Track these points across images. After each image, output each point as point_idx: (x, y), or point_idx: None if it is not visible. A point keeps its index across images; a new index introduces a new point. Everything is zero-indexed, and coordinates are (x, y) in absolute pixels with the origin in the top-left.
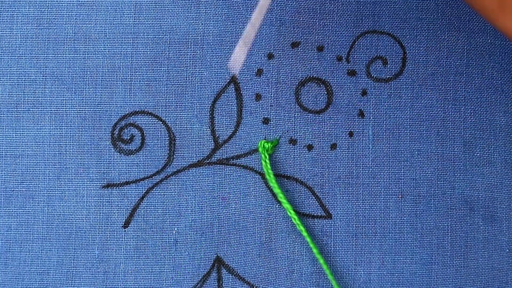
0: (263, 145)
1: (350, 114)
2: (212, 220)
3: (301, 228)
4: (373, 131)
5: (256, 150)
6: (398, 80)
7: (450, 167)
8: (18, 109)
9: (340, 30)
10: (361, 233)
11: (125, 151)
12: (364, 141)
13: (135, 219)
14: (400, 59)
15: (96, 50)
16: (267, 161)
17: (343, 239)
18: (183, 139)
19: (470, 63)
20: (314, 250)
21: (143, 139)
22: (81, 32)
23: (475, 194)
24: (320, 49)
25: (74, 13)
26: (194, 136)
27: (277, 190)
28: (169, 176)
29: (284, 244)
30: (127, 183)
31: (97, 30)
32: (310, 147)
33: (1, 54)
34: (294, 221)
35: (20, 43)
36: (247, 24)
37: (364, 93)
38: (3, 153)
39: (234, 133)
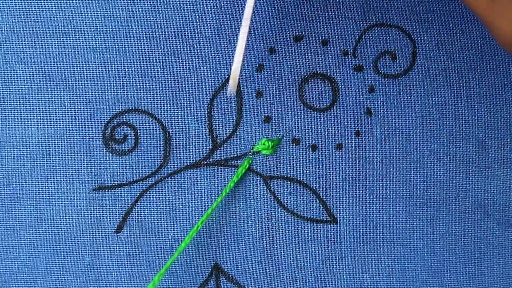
0: (263, 143)
1: (356, 112)
2: (210, 225)
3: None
4: (381, 130)
5: (258, 152)
6: (407, 76)
7: (463, 168)
8: (4, 107)
9: (346, 23)
10: (368, 239)
11: (118, 151)
12: (371, 141)
13: (128, 224)
14: (410, 53)
15: (87, 44)
16: (250, 161)
17: (349, 245)
18: (179, 138)
19: (484, 57)
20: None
21: (136, 138)
22: (70, 25)
23: (490, 197)
24: (324, 43)
25: (64, 5)
26: (191, 135)
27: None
28: (164, 178)
29: (287, 250)
30: (120, 185)
31: (88, 23)
32: (314, 147)
33: None
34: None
35: (5, 36)
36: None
37: (371, 89)
38: None
39: (233, 132)
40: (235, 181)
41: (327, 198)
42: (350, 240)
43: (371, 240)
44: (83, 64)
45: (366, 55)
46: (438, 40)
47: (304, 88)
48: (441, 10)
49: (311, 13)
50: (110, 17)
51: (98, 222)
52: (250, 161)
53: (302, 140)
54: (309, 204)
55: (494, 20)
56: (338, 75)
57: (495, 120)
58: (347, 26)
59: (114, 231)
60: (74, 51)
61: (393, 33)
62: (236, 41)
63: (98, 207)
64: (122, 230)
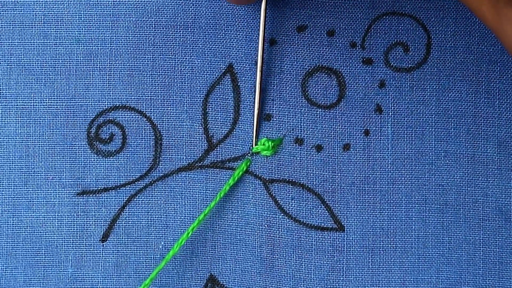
0: (263, 143)
1: (365, 110)
2: (205, 233)
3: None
4: (392, 129)
5: (258, 153)
6: (421, 70)
7: (483, 171)
8: None
9: (354, 11)
10: (378, 248)
11: (104, 152)
12: (382, 141)
13: (114, 232)
14: (424, 45)
15: (70, 34)
16: (249, 163)
17: (357, 255)
18: (171, 138)
19: (505, 49)
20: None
21: (124, 138)
22: (52, 13)
23: None
24: (330, 33)
25: None
26: (183, 135)
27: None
28: (155, 181)
29: (289, 260)
30: (106, 189)
31: (71, 11)
32: (319, 148)
33: None
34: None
35: None
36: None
37: (382, 84)
38: None
39: (230, 131)
40: (231, 184)
41: (333, 204)
42: (358, 249)
43: (381, 250)
44: (66, 56)
45: (376, 46)
46: (454, 30)
47: (308, 83)
48: None
49: (315, 0)
50: (95, 4)
51: (82, 230)
52: (248, 163)
53: (305, 139)
54: (314, 210)
55: (501, 29)
56: (345, 69)
57: None
58: (355, 15)
59: (100, 240)
60: (56, 42)
61: (406, 22)
62: (235, 37)
63: (82, 213)
64: (108, 239)
